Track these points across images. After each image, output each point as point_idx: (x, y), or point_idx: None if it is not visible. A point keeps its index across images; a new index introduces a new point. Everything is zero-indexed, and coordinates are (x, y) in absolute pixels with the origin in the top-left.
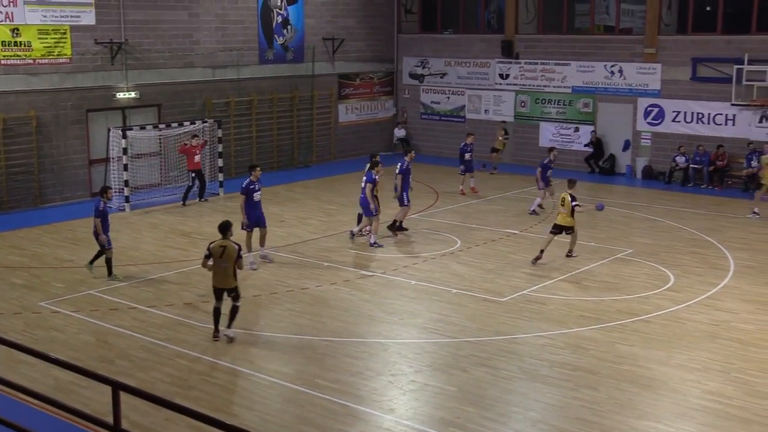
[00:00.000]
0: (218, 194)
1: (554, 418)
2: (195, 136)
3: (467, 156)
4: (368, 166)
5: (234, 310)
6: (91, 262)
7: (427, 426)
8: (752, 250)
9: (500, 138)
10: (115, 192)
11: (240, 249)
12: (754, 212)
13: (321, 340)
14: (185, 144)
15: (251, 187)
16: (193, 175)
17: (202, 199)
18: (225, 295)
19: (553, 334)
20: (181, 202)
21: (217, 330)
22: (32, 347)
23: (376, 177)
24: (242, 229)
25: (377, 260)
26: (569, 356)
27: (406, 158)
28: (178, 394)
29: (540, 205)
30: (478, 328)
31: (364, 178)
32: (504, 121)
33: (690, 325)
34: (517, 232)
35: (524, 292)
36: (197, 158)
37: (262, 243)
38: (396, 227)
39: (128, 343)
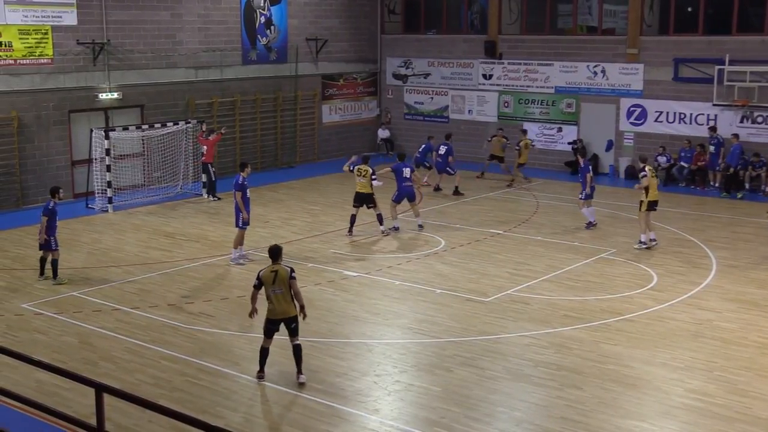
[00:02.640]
0: (202, 195)
1: (539, 418)
2: (212, 130)
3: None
4: (401, 157)
5: (298, 351)
6: (54, 276)
7: (412, 426)
8: (734, 249)
9: (500, 145)
10: (98, 193)
11: (293, 271)
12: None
13: (305, 340)
14: (205, 136)
15: (246, 183)
16: (214, 169)
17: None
18: (283, 327)
19: (537, 333)
20: (213, 197)
21: (262, 369)
22: (15, 349)
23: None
24: (239, 226)
25: (361, 261)
26: (554, 356)
27: (449, 142)
28: (163, 396)
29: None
30: (463, 328)
31: (406, 168)
32: (501, 129)
33: (673, 324)
34: (501, 232)
35: (508, 292)
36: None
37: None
38: (456, 191)
39: (112, 344)
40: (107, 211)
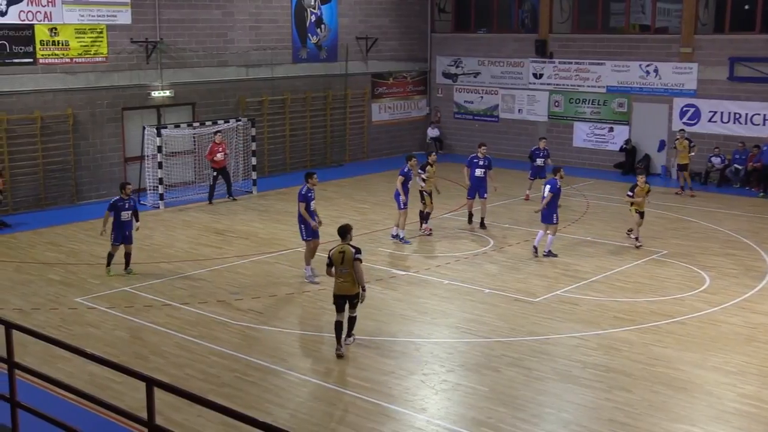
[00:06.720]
0: (251, 192)
1: (587, 420)
2: (217, 132)
3: (539, 161)
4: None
5: (352, 321)
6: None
7: (459, 426)
8: None
9: (683, 150)
10: (150, 190)
11: (358, 251)
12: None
13: (354, 338)
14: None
15: (309, 194)
16: (215, 173)
17: (230, 197)
18: (346, 304)
19: (586, 335)
20: (208, 201)
21: (340, 345)
22: (69, 342)
23: (408, 171)
24: (304, 239)
25: (410, 259)
26: (602, 357)
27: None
28: (212, 391)
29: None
30: (511, 328)
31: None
32: (683, 129)
33: (726, 327)
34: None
35: (557, 292)
36: (219, 156)
37: (312, 255)
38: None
39: (162, 339)
40: (158, 207)
